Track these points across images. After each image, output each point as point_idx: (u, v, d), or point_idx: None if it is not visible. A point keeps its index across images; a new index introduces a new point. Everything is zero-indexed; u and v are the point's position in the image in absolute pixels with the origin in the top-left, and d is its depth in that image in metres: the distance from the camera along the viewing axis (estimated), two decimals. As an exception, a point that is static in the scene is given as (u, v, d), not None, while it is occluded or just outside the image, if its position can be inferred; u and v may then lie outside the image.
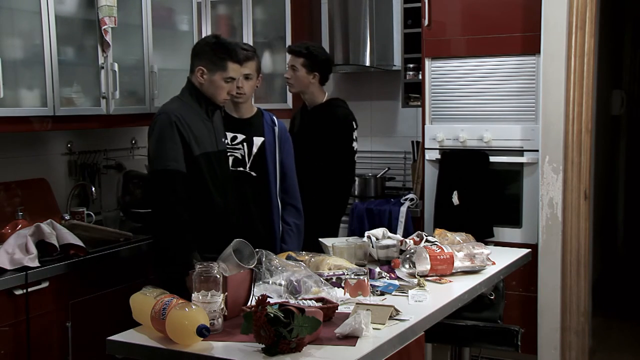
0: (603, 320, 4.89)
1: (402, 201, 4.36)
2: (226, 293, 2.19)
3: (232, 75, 2.90)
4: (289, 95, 4.59)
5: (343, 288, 2.48)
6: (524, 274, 3.86)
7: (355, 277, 2.49)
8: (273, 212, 3.24)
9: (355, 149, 3.62)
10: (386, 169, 4.83)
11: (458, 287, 2.64)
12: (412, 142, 4.75)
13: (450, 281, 2.71)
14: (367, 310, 2.12)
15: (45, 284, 2.85)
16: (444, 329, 2.68)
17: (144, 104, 3.69)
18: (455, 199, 4.10)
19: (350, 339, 2.04)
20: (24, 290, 2.76)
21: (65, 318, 2.94)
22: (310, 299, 2.29)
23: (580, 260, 3.89)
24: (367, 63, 4.65)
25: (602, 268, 5.81)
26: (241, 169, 3.20)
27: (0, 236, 3.02)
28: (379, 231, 3.05)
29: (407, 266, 2.73)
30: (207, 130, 2.91)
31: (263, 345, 1.95)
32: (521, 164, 4.05)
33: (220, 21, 4.90)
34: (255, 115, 3.29)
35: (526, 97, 4.04)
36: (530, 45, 3.95)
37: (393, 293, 2.51)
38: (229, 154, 3.17)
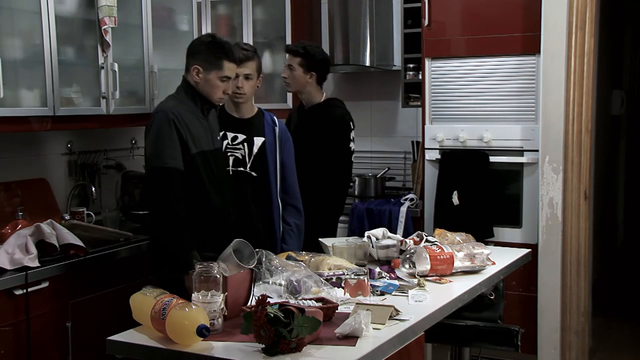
0: (603, 320, 4.89)
1: (402, 201, 4.36)
2: (226, 293, 2.19)
3: (227, 75, 2.89)
4: (289, 95, 4.58)
5: (343, 288, 2.48)
6: (524, 274, 3.86)
7: (355, 277, 2.49)
8: (273, 212, 3.24)
9: (352, 149, 3.61)
10: (386, 169, 4.83)
11: (458, 287, 2.64)
12: (412, 142, 4.74)
13: (450, 281, 2.71)
14: (367, 310, 2.12)
15: (45, 284, 2.85)
16: (444, 329, 2.68)
17: (144, 104, 3.69)
18: (455, 199, 4.10)
19: (350, 339, 2.04)
20: (24, 290, 2.76)
21: (65, 318, 2.94)
22: (310, 299, 2.29)
23: (580, 260, 3.89)
24: (367, 63, 4.65)
25: (602, 268, 5.81)
26: (242, 169, 3.20)
27: (0, 236, 3.02)
28: (379, 231, 3.05)
29: (407, 266, 2.73)
30: (203, 128, 2.91)
31: (263, 345, 1.95)
32: (521, 164, 4.05)
33: (220, 21, 4.89)
34: (256, 116, 3.29)
35: (526, 97, 4.04)
36: (530, 45, 3.95)
37: (393, 293, 2.51)
38: (229, 154, 3.18)
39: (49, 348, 2.90)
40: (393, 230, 4.13)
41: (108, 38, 3.40)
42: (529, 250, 3.33)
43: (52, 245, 2.92)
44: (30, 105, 3.14)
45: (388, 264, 2.84)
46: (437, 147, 4.24)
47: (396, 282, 2.63)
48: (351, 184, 4.60)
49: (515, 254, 3.19)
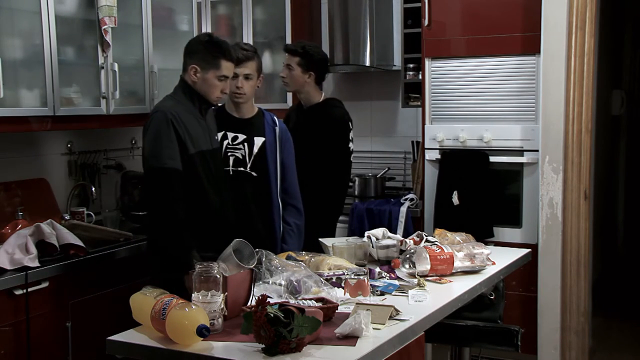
0: (603, 320, 4.89)
1: (402, 201, 4.36)
2: (226, 293, 2.19)
3: (225, 74, 2.89)
4: (289, 95, 4.58)
5: (343, 288, 2.48)
6: (524, 274, 3.86)
7: (355, 277, 2.49)
8: (274, 212, 3.24)
9: (351, 149, 3.61)
10: (386, 169, 4.83)
11: (458, 287, 2.64)
12: (412, 142, 4.74)
13: (450, 281, 2.71)
14: (367, 310, 2.12)
15: (45, 284, 2.85)
16: (444, 329, 2.68)
17: (144, 104, 3.69)
18: (455, 199, 4.10)
19: (350, 339, 2.04)
20: (24, 290, 2.76)
21: (65, 318, 2.94)
22: (310, 299, 2.29)
23: (580, 260, 3.89)
24: (367, 63, 4.65)
25: (602, 268, 5.81)
26: (242, 169, 3.20)
27: (0, 236, 3.02)
28: (379, 231, 3.05)
29: (407, 266, 2.73)
30: (201, 128, 2.90)
31: (263, 345, 1.95)
32: (521, 164, 4.05)
33: (220, 21, 4.89)
34: (256, 115, 3.29)
35: (526, 97, 4.04)
36: (530, 45, 3.95)
37: (393, 293, 2.51)
38: (229, 153, 3.17)
39: (49, 348, 2.90)
40: (393, 230, 4.13)
41: (108, 38, 3.40)
42: (529, 250, 3.33)
43: (52, 245, 2.92)
44: (30, 105, 3.14)
45: (388, 264, 2.83)
46: (437, 147, 4.24)
47: (396, 282, 2.63)
48: (351, 184, 4.61)
49: (515, 254, 3.19)
